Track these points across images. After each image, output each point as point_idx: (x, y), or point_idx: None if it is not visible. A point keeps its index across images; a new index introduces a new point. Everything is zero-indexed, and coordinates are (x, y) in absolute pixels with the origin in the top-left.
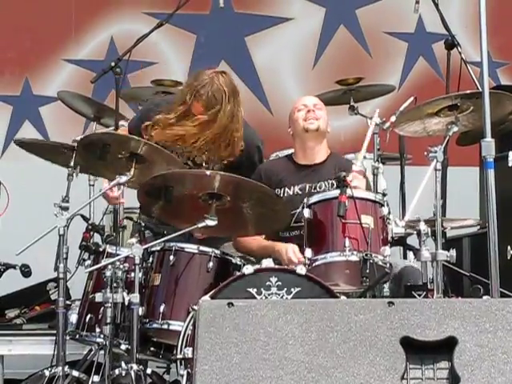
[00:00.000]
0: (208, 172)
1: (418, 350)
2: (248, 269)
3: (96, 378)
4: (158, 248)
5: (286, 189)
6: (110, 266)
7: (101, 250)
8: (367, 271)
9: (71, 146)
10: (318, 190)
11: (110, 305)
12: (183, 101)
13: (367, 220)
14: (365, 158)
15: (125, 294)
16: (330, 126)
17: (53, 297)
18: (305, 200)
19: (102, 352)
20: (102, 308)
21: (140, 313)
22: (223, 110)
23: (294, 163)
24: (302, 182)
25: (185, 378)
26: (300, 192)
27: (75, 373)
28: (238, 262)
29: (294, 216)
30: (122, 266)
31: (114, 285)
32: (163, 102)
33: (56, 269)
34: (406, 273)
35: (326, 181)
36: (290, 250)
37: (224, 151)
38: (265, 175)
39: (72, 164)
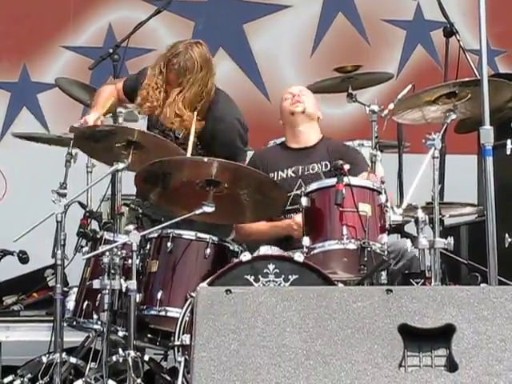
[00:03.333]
0: (206, 159)
1: (415, 338)
2: (246, 256)
3: (93, 365)
4: (156, 235)
5: (280, 172)
6: (107, 253)
7: (98, 236)
8: (365, 259)
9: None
10: (311, 171)
11: (107, 291)
12: (159, 70)
13: (365, 208)
14: (362, 145)
15: (122, 280)
16: (328, 113)
17: (50, 283)
18: (302, 188)
19: (99, 339)
20: (100, 295)
21: (137, 299)
22: (193, 78)
23: (286, 148)
24: (294, 165)
25: (182, 364)
26: (293, 174)
27: (72, 359)
28: (236, 249)
29: (289, 199)
30: (119, 253)
31: (112, 271)
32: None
33: (54, 255)
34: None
35: (318, 163)
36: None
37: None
38: (260, 162)
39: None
